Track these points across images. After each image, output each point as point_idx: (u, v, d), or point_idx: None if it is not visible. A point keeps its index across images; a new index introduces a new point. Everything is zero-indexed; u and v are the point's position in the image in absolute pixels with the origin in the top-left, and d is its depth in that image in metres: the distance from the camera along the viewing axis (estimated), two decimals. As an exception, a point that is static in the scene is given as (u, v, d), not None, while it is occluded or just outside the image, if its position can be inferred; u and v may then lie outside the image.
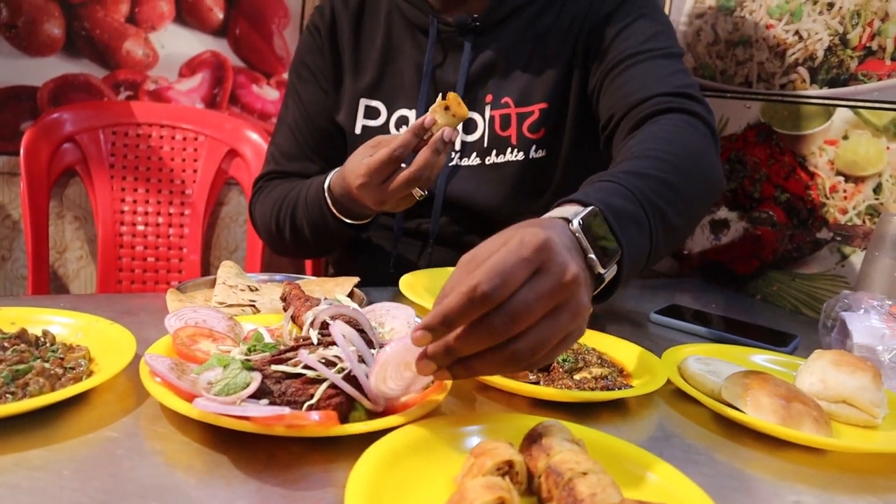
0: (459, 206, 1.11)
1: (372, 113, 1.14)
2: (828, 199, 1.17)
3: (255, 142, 1.66)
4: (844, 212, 1.15)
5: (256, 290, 0.83)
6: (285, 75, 1.86)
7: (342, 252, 1.26)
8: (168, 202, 1.68)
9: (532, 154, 1.09)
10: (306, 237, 1.07)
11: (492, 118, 1.10)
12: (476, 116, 1.11)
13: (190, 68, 1.76)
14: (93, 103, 1.66)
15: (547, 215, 0.59)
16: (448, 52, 1.11)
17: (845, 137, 1.15)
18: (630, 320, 1.03)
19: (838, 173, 1.16)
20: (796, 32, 1.21)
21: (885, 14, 1.09)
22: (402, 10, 1.12)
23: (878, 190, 1.11)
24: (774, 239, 1.25)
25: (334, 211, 1.00)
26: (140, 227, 1.65)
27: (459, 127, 1.04)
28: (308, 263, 1.56)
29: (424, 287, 0.96)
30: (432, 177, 0.88)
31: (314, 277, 0.94)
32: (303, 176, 1.14)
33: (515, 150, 1.09)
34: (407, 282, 0.96)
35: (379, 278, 1.06)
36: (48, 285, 1.54)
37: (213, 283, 0.86)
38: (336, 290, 0.84)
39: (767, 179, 1.26)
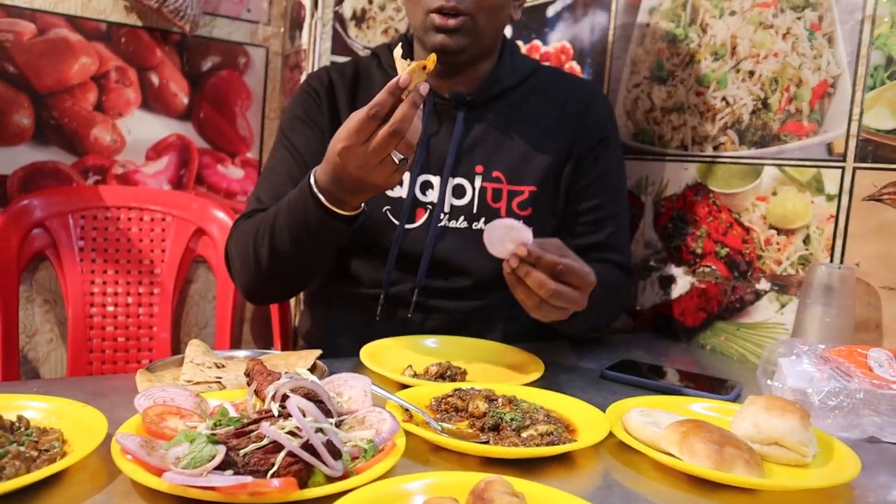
0: (445, 266, 1.17)
1: None
2: (763, 251, 1.25)
3: (221, 220, 1.71)
4: (779, 263, 1.23)
5: (223, 366, 0.88)
6: (249, 154, 1.93)
7: (321, 321, 1.27)
8: (137, 282, 1.71)
9: None
10: (285, 253, 1.04)
11: (483, 189, 1.18)
12: (465, 183, 1.18)
13: (156, 151, 1.83)
14: (62, 189, 1.71)
15: None
16: (442, 122, 1.20)
17: (774, 193, 1.24)
18: (584, 377, 1.08)
19: (771, 227, 1.24)
20: (723, 98, 1.31)
21: (799, 80, 1.19)
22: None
23: (807, 241, 1.19)
24: (718, 291, 1.33)
25: (321, 199, 0.96)
26: (110, 308, 1.68)
27: (449, 184, 1.16)
28: (276, 336, 1.59)
29: (384, 356, 1.00)
30: (413, 138, 0.88)
31: (278, 352, 0.99)
32: None
33: None
34: (367, 352, 1.00)
35: (360, 343, 1.05)
36: (18, 370, 1.56)
37: (181, 362, 0.90)
38: (298, 364, 0.88)
39: (708, 236, 1.34)
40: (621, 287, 1.26)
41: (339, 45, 1.77)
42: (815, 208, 1.18)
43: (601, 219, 1.24)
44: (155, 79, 1.81)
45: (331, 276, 1.24)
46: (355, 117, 0.87)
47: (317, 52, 1.75)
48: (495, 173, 1.18)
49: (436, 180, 1.19)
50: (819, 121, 1.17)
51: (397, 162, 0.89)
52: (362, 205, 1.00)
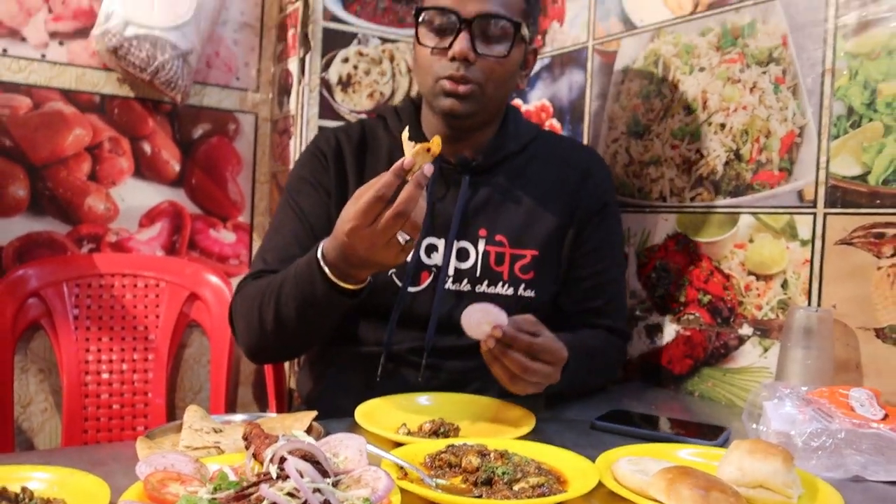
0: (449, 326, 1.16)
1: None
2: (744, 297, 1.29)
3: (214, 284, 1.74)
4: (760, 308, 1.27)
5: (221, 431, 0.89)
6: (241, 218, 1.97)
7: (321, 381, 1.28)
8: (132, 348, 1.73)
9: (521, 292, 1.21)
10: (290, 321, 1.06)
11: (486, 252, 1.21)
12: (469, 246, 1.21)
13: (149, 218, 1.86)
14: (56, 258, 1.73)
15: None
16: (447, 186, 1.23)
17: (751, 240, 1.28)
18: (575, 428, 1.10)
19: (750, 273, 1.28)
20: (698, 150, 1.36)
21: (768, 131, 1.25)
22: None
23: (785, 285, 1.23)
24: (703, 338, 1.36)
25: (327, 273, 0.98)
26: (105, 376, 1.69)
27: (454, 248, 1.19)
28: (271, 398, 1.61)
29: (379, 415, 1.02)
30: (418, 218, 0.90)
31: (275, 415, 1.01)
32: None
33: (506, 284, 1.21)
34: (362, 411, 1.02)
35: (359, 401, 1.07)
36: (13, 441, 1.56)
37: (180, 428, 0.92)
38: (295, 426, 0.90)
39: (690, 284, 1.38)
40: (612, 352, 1.30)
41: (327, 109, 1.83)
42: (790, 253, 1.22)
43: (601, 284, 1.28)
44: (147, 147, 1.86)
45: (333, 337, 1.24)
46: (362, 198, 0.90)
47: (305, 118, 1.81)
48: (498, 237, 1.21)
49: (440, 243, 1.21)
50: (789, 169, 1.22)
51: (403, 242, 0.92)
52: (368, 278, 1.02)
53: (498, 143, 1.24)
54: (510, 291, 1.21)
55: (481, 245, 1.21)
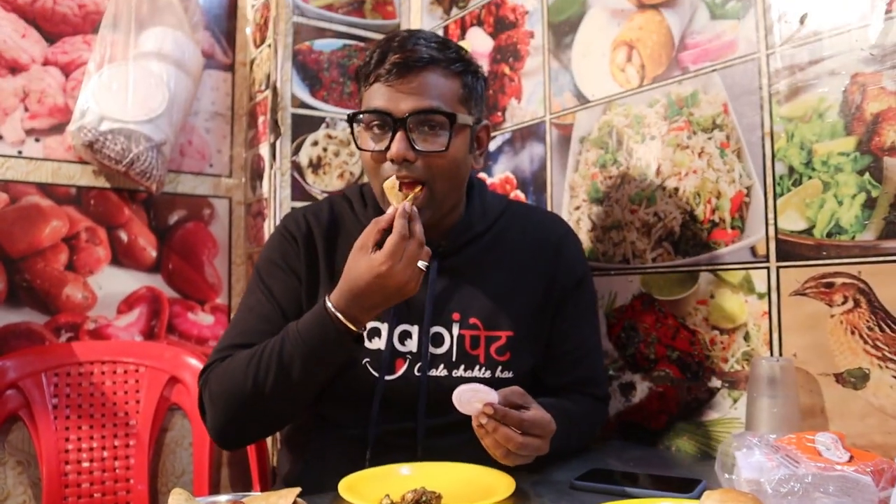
0: (435, 410, 1.18)
1: None
2: (710, 351, 1.34)
3: (194, 367, 1.75)
4: (726, 361, 1.31)
5: (206, 511, 0.91)
6: (219, 300, 2.00)
7: (300, 465, 1.27)
8: (112, 435, 1.72)
9: (498, 373, 1.21)
10: (294, 378, 1.07)
11: (461, 336, 1.20)
12: (443, 331, 1.20)
13: (127, 305, 1.88)
14: (34, 349, 1.75)
15: None
16: None
17: (712, 296, 1.34)
18: (554, 489, 1.12)
19: (713, 328, 1.33)
20: (655, 214, 1.43)
21: (718, 193, 1.32)
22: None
23: (747, 337, 1.28)
24: (675, 393, 1.40)
25: (341, 318, 1.04)
26: (85, 465, 1.68)
27: (429, 334, 1.21)
28: (255, 478, 1.61)
29: (362, 488, 1.04)
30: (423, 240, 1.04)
31: (259, 493, 1.02)
32: None
33: (483, 367, 1.21)
34: (346, 484, 1.04)
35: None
36: (-8, 539, 1.54)
37: (164, 511, 0.93)
38: (279, 503, 0.91)
39: (658, 341, 1.42)
40: (594, 417, 1.33)
41: (298, 191, 1.88)
42: (749, 307, 1.28)
43: (582, 356, 1.30)
44: (124, 236, 1.90)
45: (308, 421, 1.25)
46: (392, 241, 1.02)
47: (278, 200, 1.86)
48: (472, 320, 1.21)
49: (414, 329, 1.20)
50: (741, 227, 1.29)
51: (423, 268, 1.04)
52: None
53: (464, 225, 1.24)
54: (487, 374, 1.20)
55: (455, 329, 1.20)
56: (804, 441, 1.04)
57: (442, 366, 1.20)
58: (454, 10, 1.98)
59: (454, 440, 1.18)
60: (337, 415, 1.22)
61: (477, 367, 1.21)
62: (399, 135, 1.10)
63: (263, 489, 1.62)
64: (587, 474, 1.15)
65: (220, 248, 2.03)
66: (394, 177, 1.08)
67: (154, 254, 1.93)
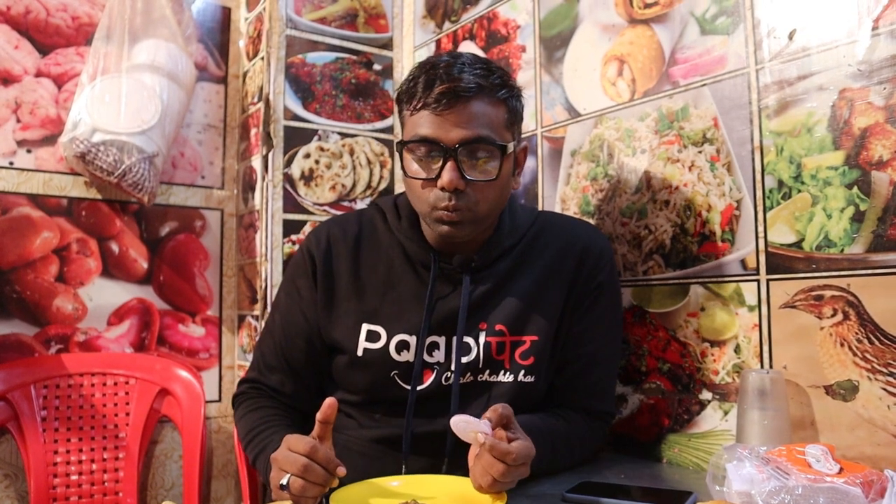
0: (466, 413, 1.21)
1: (373, 336, 1.23)
2: (701, 363, 1.34)
3: (185, 379, 1.75)
4: (717, 373, 1.32)
5: (196, 524, 0.90)
6: (210, 312, 1.99)
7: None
8: (102, 448, 1.71)
9: (521, 378, 1.23)
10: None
11: (487, 343, 1.22)
12: (470, 340, 1.22)
13: (118, 316, 1.88)
14: (23, 360, 1.73)
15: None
16: (448, 285, 1.24)
17: (703, 309, 1.34)
18: (545, 502, 1.12)
19: (704, 340, 1.34)
20: (646, 227, 1.44)
21: (709, 206, 1.33)
22: (405, 247, 1.26)
23: (738, 350, 1.29)
24: (666, 405, 1.40)
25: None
26: (74, 477, 1.67)
27: (460, 345, 1.22)
28: (245, 491, 1.60)
29: (354, 501, 1.04)
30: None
31: (249, 504, 1.02)
32: (278, 392, 1.28)
33: (507, 372, 1.23)
34: (337, 498, 1.03)
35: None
36: (-22, 552, 1.52)
37: (154, 524, 0.92)
38: (270, 513, 0.91)
39: (649, 354, 1.43)
40: (589, 438, 1.31)
41: (290, 203, 1.89)
42: (740, 319, 1.28)
43: (591, 364, 1.29)
44: (115, 247, 1.89)
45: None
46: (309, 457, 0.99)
47: (269, 212, 1.86)
48: (498, 327, 1.23)
49: (441, 340, 1.23)
50: (731, 240, 1.30)
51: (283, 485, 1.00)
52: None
53: (496, 241, 1.25)
54: (510, 378, 1.22)
55: (482, 337, 1.22)
56: (794, 453, 1.05)
57: (469, 374, 1.22)
58: (446, 24, 1.99)
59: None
60: (365, 423, 1.27)
61: (502, 372, 1.23)
62: (450, 164, 1.11)
63: (254, 502, 1.61)
64: (578, 487, 1.15)
65: (212, 259, 2.02)
66: None
67: (145, 265, 1.92)
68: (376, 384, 1.24)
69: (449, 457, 1.21)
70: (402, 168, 1.18)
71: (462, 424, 1.01)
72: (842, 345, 1.14)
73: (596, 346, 1.29)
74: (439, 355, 1.23)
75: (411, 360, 1.22)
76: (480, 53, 1.87)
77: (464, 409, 1.21)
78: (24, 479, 1.68)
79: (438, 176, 1.12)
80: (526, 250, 1.28)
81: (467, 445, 1.19)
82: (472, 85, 1.11)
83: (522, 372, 1.23)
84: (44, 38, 1.85)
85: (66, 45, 1.87)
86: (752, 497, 0.98)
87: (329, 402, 1.02)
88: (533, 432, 1.07)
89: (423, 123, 1.13)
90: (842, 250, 1.14)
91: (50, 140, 1.84)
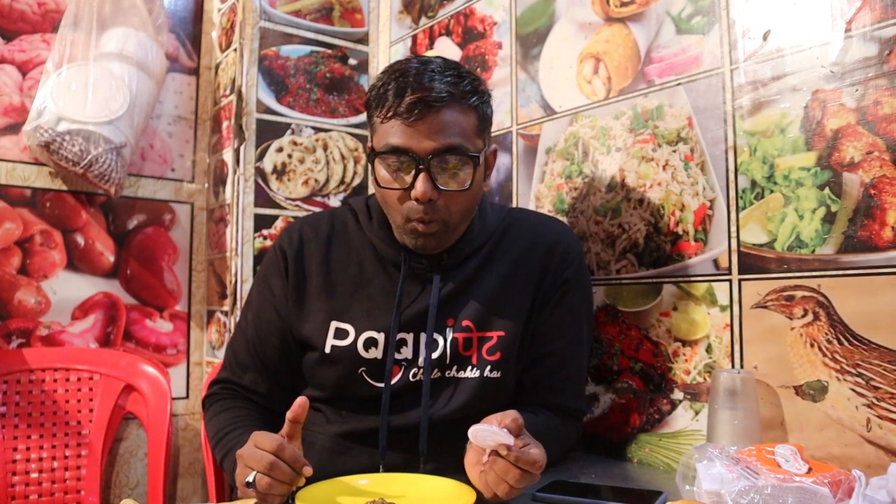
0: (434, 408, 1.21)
1: (341, 334, 1.23)
2: (672, 363, 1.34)
3: (151, 375, 1.71)
4: (688, 372, 1.32)
5: (157, 523, 0.88)
6: (178, 307, 1.96)
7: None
8: (63, 445, 1.67)
9: (487, 373, 1.22)
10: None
11: (455, 340, 1.21)
12: (438, 337, 1.22)
13: (83, 311, 1.83)
14: (-17, 356, 1.69)
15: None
16: (417, 284, 1.23)
17: (675, 308, 1.34)
18: (516, 501, 1.11)
19: (676, 339, 1.34)
20: (619, 225, 1.44)
21: (682, 205, 1.33)
22: (376, 247, 1.25)
23: (709, 350, 1.29)
24: (638, 405, 1.40)
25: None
26: (34, 475, 1.63)
27: (429, 341, 1.20)
28: (211, 489, 1.57)
29: (320, 499, 1.02)
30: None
31: None
32: (252, 391, 1.27)
33: (474, 368, 1.22)
34: (303, 496, 1.02)
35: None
36: (-67, 552, 1.48)
37: (113, 523, 0.90)
38: (235, 512, 0.89)
39: (622, 353, 1.42)
40: (566, 436, 1.31)
41: (262, 197, 1.86)
42: (711, 319, 1.28)
43: (561, 362, 1.28)
44: (80, 239, 1.85)
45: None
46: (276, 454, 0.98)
47: (241, 206, 1.83)
48: (465, 322, 1.22)
49: (409, 337, 1.23)
50: (704, 239, 1.30)
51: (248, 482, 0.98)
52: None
53: (466, 240, 1.25)
54: (476, 374, 1.22)
55: (449, 333, 1.22)
56: (764, 453, 1.05)
57: (436, 369, 1.22)
58: (423, 20, 1.98)
59: (454, 435, 1.16)
60: (332, 419, 1.26)
61: (469, 368, 1.22)
62: (423, 175, 1.11)
63: (220, 501, 1.58)
64: (549, 486, 1.14)
65: (181, 254, 1.98)
66: None
67: (112, 259, 1.88)
68: (344, 381, 1.23)
69: (425, 453, 1.20)
70: (374, 177, 1.17)
71: (482, 434, 0.98)
72: (812, 345, 1.14)
73: (564, 343, 1.28)
74: (407, 352, 1.23)
75: (379, 356, 1.22)
76: (457, 50, 1.85)
77: (433, 403, 1.21)
78: (-18, 477, 1.64)
79: (411, 186, 1.12)
80: (494, 248, 1.28)
81: (442, 440, 1.18)
82: (444, 94, 1.10)
83: (489, 367, 1.22)
84: (8, 23, 1.80)
85: (31, 32, 1.83)
86: (722, 496, 0.98)
87: (300, 401, 1.00)
88: (534, 433, 1.05)
89: (395, 133, 1.12)
90: (813, 251, 1.15)
91: (13, 129, 1.79)
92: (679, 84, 1.35)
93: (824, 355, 1.13)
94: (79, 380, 1.72)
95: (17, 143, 1.79)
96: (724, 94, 1.27)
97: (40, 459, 1.64)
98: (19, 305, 1.76)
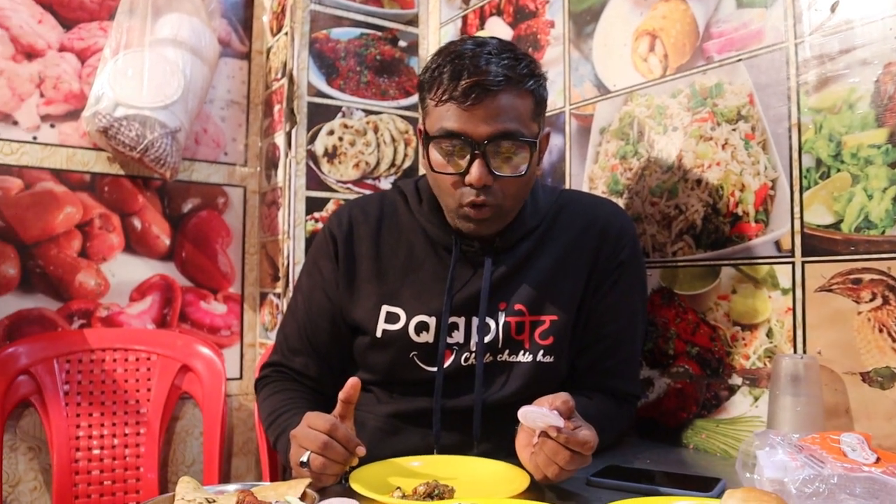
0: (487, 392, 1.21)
1: (392, 318, 1.22)
2: (731, 347, 1.31)
3: (206, 356, 1.74)
4: (747, 357, 1.28)
5: (213, 501, 0.89)
6: (231, 290, 1.99)
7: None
8: (123, 423, 1.72)
9: (539, 358, 1.21)
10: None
11: (507, 323, 1.20)
12: (490, 321, 1.21)
13: (140, 292, 1.88)
14: (47, 335, 1.74)
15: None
16: (469, 267, 1.22)
17: (734, 291, 1.30)
18: (570, 484, 1.09)
19: (735, 324, 1.30)
20: (676, 206, 1.40)
21: (742, 185, 1.29)
22: (426, 230, 1.24)
23: (770, 334, 1.25)
24: (694, 390, 1.37)
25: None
26: (96, 452, 1.68)
27: (481, 325, 1.20)
28: (265, 468, 1.59)
29: (372, 480, 1.02)
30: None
31: (268, 483, 1.00)
32: (303, 375, 1.28)
33: (527, 352, 1.21)
34: (356, 477, 1.02)
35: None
36: (1, 523, 1.53)
37: (171, 500, 0.91)
38: (288, 493, 0.90)
39: (678, 337, 1.39)
40: (618, 419, 1.28)
41: (313, 180, 1.87)
42: (773, 302, 1.24)
43: (615, 345, 1.26)
44: (137, 223, 1.89)
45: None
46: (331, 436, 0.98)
47: (292, 189, 1.85)
48: (517, 306, 1.21)
49: (461, 321, 1.22)
50: (765, 221, 1.25)
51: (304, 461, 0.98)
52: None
53: (518, 223, 1.23)
54: (529, 358, 1.21)
55: (502, 318, 1.21)
56: (829, 441, 1.01)
57: (488, 353, 1.21)
58: (473, 0, 1.95)
59: (506, 418, 1.14)
60: (383, 399, 1.27)
61: (521, 353, 1.21)
62: (478, 161, 1.09)
63: (273, 480, 1.60)
64: (603, 471, 1.13)
65: (234, 237, 2.01)
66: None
67: (167, 242, 1.92)
68: (396, 364, 1.23)
69: (479, 435, 1.20)
70: (427, 160, 1.15)
71: (532, 415, 0.97)
72: (880, 330, 1.10)
73: (618, 326, 1.26)
74: (458, 336, 1.22)
75: (431, 340, 1.21)
76: (508, 30, 1.83)
77: (486, 388, 1.20)
78: (47, 452, 1.69)
79: (466, 171, 1.10)
80: (547, 230, 1.26)
81: (495, 423, 1.17)
82: (501, 78, 1.07)
83: (542, 352, 1.21)
84: (67, 12, 1.84)
85: (89, 20, 1.86)
86: (785, 485, 0.95)
87: (352, 381, 1.00)
88: (587, 417, 1.04)
89: (450, 117, 1.09)
90: (883, 232, 1.10)
91: (73, 115, 1.83)
92: (740, 60, 1.30)
93: (894, 341, 1.08)
94: (137, 360, 1.76)
95: (77, 129, 1.83)
96: (788, 70, 1.22)
97: (101, 436, 1.69)
98: (80, 287, 1.81)
